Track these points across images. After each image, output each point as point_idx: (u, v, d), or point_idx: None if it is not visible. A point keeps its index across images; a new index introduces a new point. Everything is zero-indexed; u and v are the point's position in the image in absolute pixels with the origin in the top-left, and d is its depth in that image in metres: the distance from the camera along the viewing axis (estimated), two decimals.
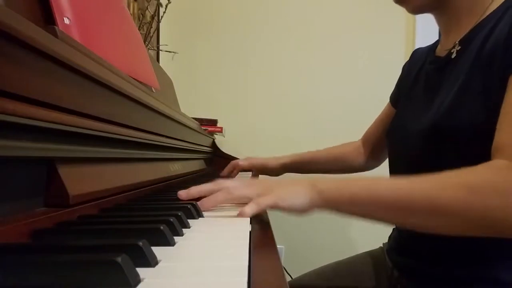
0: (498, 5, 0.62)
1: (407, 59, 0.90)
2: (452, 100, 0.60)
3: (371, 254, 0.89)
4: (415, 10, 0.70)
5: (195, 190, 0.56)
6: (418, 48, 0.88)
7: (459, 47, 0.65)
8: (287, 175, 1.12)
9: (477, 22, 0.63)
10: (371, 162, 1.05)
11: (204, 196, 0.55)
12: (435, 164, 0.54)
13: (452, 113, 0.59)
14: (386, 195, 0.49)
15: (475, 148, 0.56)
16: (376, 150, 1.01)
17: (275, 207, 0.50)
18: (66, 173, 0.40)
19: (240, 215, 0.49)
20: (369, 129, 1.04)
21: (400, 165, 0.75)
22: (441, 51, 0.72)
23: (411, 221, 0.51)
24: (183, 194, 0.56)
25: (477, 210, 0.45)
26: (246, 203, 0.51)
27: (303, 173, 1.12)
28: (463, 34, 0.65)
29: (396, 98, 0.89)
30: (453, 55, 0.66)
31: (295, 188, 0.52)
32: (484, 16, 0.63)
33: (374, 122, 1.02)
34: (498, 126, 0.52)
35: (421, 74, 0.77)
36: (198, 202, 0.53)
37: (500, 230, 0.46)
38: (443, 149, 0.61)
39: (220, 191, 0.54)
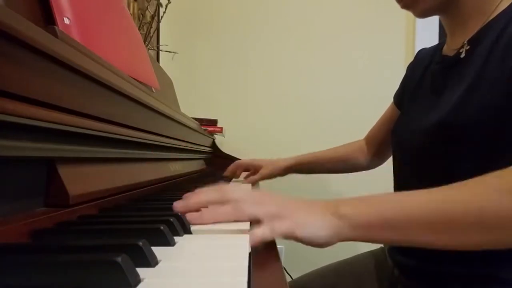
0: (508, 4, 0.61)
1: (407, 59, 0.90)
2: (460, 98, 0.60)
3: (372, 254, 0.89)
4: (423, 13, 0.70)
5: (194, 201, 0.47)
6: (422, 49, 0.87)
7: (468, 47, 0.65)
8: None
9: (486, 22, 0.63)
10: (375, 161, 1.06)
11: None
12: (440, 162, 0.53)
13: (460, 110, 0.59)
14: (425, 213, 0.42)
15: (481, 146, 0.55)
16: (380, 149, 1.02)
17: (292, 236, 0.42)
18: (66, 173, 0.40)
19: (252, 239, 0.39)
20: (372, 128, 1.05)
21: (405, 163, 0.75)
22: (448, 51, 0.72)
23: (457, 240, 0.43)
24: (178, 206, 0.46)
25: None
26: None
27: (307, 173, 1.13)
28: (472, 34, 0.65)
29: (400, 98, 0.89)
30: (462, 55, 0.66)
31: (316, 214, 0.43)
32: (494, 16, 0.62)
33: (378, 122, 1.02)
34: None
35: (427, 74, 0.76)
36: (194, 216, 0.44)
37: None
38: (449, 147, 0.61)
39: (226, 204, 0.45)
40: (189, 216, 0.44)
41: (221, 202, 0.46)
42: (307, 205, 0.45)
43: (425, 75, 0.77)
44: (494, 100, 0.55)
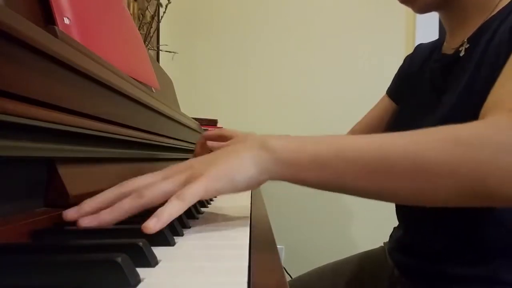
0: (507, 2, 0.61)
1: None
2: (458, 99, 0.59)
3: (372, 254, 0.89)
4: (422, 9, 0.69)
5: (89, 204, 0.38)
6: (421, 43, 0.86)
7: (468, 45, 0.64)
8: None
9: (486, 19, 0.62)
10: None
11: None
12: None
13: (458, 112, 0.58)
14: (360, 155, 0.39)
15: None
16: None
17: (207, 195, 0.37)
18: (66, 173, 0.40)
19: (150, 226, 0.33)
20: (360, 123, 0.96)
21: None
22: (448, 49, 0.71)
23: (392, 186, 0.39)
24: (69, 214, 0.36)
25: (467, 164, 0.37)
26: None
27: None
28: (471, 32, 0.64)
29: (398, 91, 0.86)
30: (462, 53, 0.65)
31: (236, 158, 0.39)
32: (494, 13, 0.62)
33: (367, 117, 0.95)
34: (495, 85, 0.49)
35: (425, 71, 0.75)
36: (88, 218, 0.36)
37: (492, 194, 0.38)
38: None
39: (128, 196, 0.38)
40: (81, 220, 0.36)
41: (122, 197, 0.38)
42: (228, 150, 0.41)
43: (424, 69, 0.76)
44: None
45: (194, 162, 0.42)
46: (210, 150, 0.71)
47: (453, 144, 0.38)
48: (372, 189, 0.40)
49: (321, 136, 0.41)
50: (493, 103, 0.48)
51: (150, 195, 0.38)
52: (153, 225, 0.33)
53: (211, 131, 0.75)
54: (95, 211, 0.37)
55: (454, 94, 0.61)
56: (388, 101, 0.89)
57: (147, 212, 0.36)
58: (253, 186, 0.40)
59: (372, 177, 0.39)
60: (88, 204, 0.38)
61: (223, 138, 0.70)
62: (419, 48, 0.85)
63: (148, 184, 0.39)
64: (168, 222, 0.35)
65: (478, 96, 0.56)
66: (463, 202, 0.39)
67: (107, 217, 0.36)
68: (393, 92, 0.88)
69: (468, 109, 0.57)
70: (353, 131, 0.98)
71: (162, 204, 0.37)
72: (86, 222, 0.36)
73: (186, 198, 0.36)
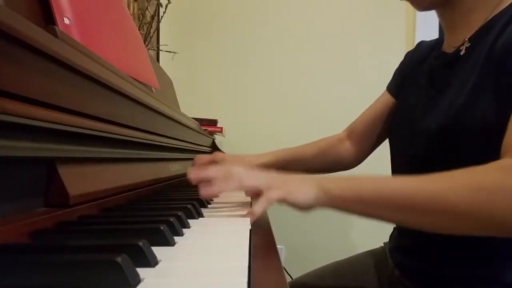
0: (509, 2, 0.60)
1: None
2: (464, 100, 0.59)
3: (372, 254, 0.89)
4: (424, 7, 0.69)
5: (205, 174, 0.56)
6: (423, 41, 0.85)
7: (469, 44, 0.63)
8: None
9: (488, 19, 0.62)
10: (359, 155, 0.95)
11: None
12: (442, 166, 0.52)
13: (464, 114, 0.58)
14: (392, 194, 0.49)
15: (487, 151, 0.53)
16: (367, 141, 0.93)
17: (283, 201, 0.51)
18: (66, 173, 0.40)
19: (251, 214, 0.49)
20: (359, 120, 0.95)
21: (404, 164, 0.74)
22: (448, 48, 0.70)
23: (418, 221, 0.50)
24: (192, 174, 0.56)
25: (486, 210, 0.44)
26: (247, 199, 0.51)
27: (284, 170, 0.92)
28: (473, 31, 0.63)
29: (397, 87, 0.86)
30: (462, 52, 0.64)
31: (303, 184, 0.52)
32: (496, 13, 0.61)
33: (366, 113, 0.94)
34: (509, 125, 0.51)
35: (424, 68, 0.75)
36: (204, 187, 0.54)
37: (505, 231, 0.46)
38: (453, 151, 0.60)
39: (231, 178, 0.54)
40: (202, 189, 0.54)
41: (225, 177, 0.54)
42: (298, 178, 0.54)
43: (424, 67, 0.76)
44: (496, 104, 0.54)
45: (272, 175, 0.56)
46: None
47: (476, 191, 0.45)
48: (403, 222, 0.54)
49: (367, 177, 0.53)
50: (506, 146, 0.51)
51: (248, 184, 0.54)
52: (255, 211, 0.50)
53: (204, 157, 0.85)
54: (206, 180, 0.56)
55: (458, 95, 0.60)
56: (388, 96, 0.89)
57: (147, 213, 0.36)
58: (306, 209, 0.52)
59: (401, 214, 0.50)
60: (205, 174, 0.56)
61: (215, 163, 0.81)
62: (421, 45, 0.84)
63: (247, 176, 0.54)
64: (262, 212, 0.50)
65: (486, 97, 0.55)
66: (477, 235, 0.48)
67: (219, 190, 0.55)
68: (393, 87, 0.88)
69: (474, 111, 0.57)
70: (352, 130, 0.97)
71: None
72: (203, 190, 0.55)
73: (271, 198, 0.51)
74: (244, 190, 0.56)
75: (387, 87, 0.90)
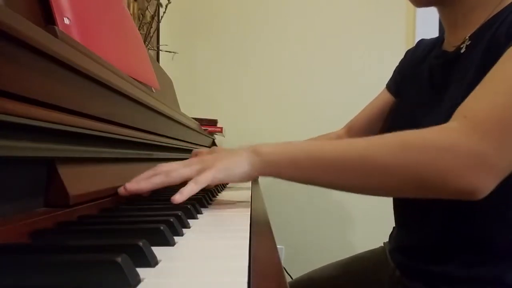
0: (510, 1, 0.60)
1: None
2: (462, 99, 0.57)
3: (372, 254, 0.89)
4: (424, 3, 0.68)
5: (132, 184, 0.52)
6: (423, 39, 0.85)
7: (469, 42, 0.63)
8: None
9: (490, 17, 0.61)
10: None
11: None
12: None
13: None
14: (324, 156, 0.49)
15: None
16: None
17: (214, 181, 0.51)
18: (66, 173, 0.40)
19: (176, 199, 0.48)
20: (358, 117, 0.96)
21: None
22: (448, 46, 0.70)
23: (348, 183, 0.50)
24: (122, 191, 0.51)
25: (410, 166, 0.44)
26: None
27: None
28: (474, 29, 0.63)
29: (396, 85, 0.86)
30: (463, 50, 0.64)
31: (236, 157, 0.52)
32: (497, 11, 0.61)
33: (365, 111, 0.95)
34: (470, 94, 0.51)
35: (424, 67, 0.74)
36: (129, 184, 0.51)
37: (432, 189, 0.46)
38: None
39: (157, 175, 0.53)
40: (127, 185, 0.51)
41: (149, 175, 0.53)
42: (231, 153, 0.54)
43: (424, 65, 0.75)
44: None
45: (205, 157, 0.55)
46: None
47: (399, 147, 0.45)
48: (333, 183, 0.52)
49: (301, 142, 0.53)
50: (458, 112, 0.51)
51: (174, 176, 0.52)
52: (178, 198, 0.48)
53: (202, 150, 0.86)
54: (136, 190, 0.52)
55: (459, 94, 0.60)
56: (387, 94, 0.89)
57: (147, 213, 0.36)
58: (246, 179, 0.53)
59: (332, 175, 0.50)
60: (133, 184, 0.52)
61: None
62: (421, 43, 0.84)
63: (173, 169, 0.53)
64: (187, 198, 0.48)
65: None
66: (407, 195, 0.49)
67: (143, 184, 0.51)
68: (392, 86, 0.88)
69: None
70: (351, 128, 0.98)
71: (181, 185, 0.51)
72: (129, 185, 0.51)
73: (200, 182, 0.50)
74: (175, 183, 0.53)
75: (386, 85, 0.91)
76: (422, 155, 0.44)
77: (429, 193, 0.48)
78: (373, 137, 0.49)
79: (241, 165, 0.51)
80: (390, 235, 0.83)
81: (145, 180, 0.52)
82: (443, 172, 0.44)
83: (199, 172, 0.51)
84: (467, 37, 0.64)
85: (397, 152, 0.45)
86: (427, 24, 1.86)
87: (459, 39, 0.66)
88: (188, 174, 0.52)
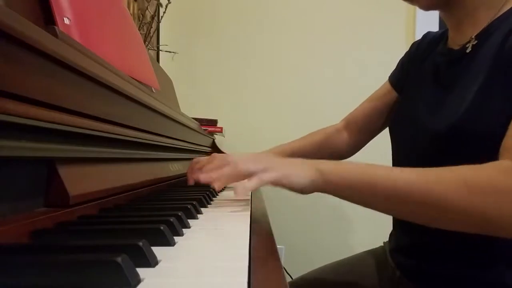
0: None
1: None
2: (473, 101, 0.57)
3: (372, 253, 0.89)
4: (428, 6, 0.68)
5: (199, 173, 0.58)
6: (429, 32, 0.83)
7: (476, 42, 0.62)
8: None
9: (496, 16, 0.61)
10: (355, 145, 0.96)
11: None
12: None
13: (475, 115, 0.57)
14: (384, 184, 0.49)
15: (496, 153, 0.52)
16: (365, 132, 0.93)
17: (277, 183, 0.52)
18: (66, 173, 0.40)
19: (240, 190, 0.51)
20: (358, 111, 0.95)
21: (407, 163, 0.73)
22: (454, 44, 0.69)
23: (408, 212, 0.51)
24: (190, 180, 0.63)
25: (475, 208, 0.45)
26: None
27: None
28: (479, 29, 0.63)
29: (400, 80, 0.85)
30: (469, 50, 0.63)
31: (299, 167, 0.53)
32: (504, 11, 0.60)
33: (365, 104, 0.94)
34: (510, 126, 0.51)
35: (429, 63, 0.74)
36: (203, 176, 0.56)
37: (496, 230, 0.46)
38: (460, 153, 0.59)
39: (226, 165, 0.55)
40: (201, 176, 0.57)
41: (220, 165, 0.56)
42: (294, 162, 0.55)
43: (428, 61, 0.75)
44: (505, 105, 0.54)
45: (269, 159, 0.57)
46: None
47: (463, 188, 0.45)
48: (390, 211, 0.55)
49: (358, 165, 0.53)
50: (505, 147, 0.51)
51: (242, 168, 0.54)
52: (240, 191, 0.51)
53: (202, 158, 0.84)
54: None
55: (467, 95, 0.59)
56: (389, 88, 0.88)
57: (147, 213, 0.36)
58: (300, 192, 0.53)
59: (392, 205, 0.51)
60: (199, 173, 0.58)
61: None
62: (427, 35, 0.83)
63: (240, 160, 0.55)
64: (251, 191, 0.52)
65: (496, 98, 0.55)
66: (467, 231, 0.48)
67: (217, 178, 0.55)
68: (395, 80, 0.87)
69: (485, 112, 0.56)
70: (350, 121, 0.97)
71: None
72: (202, 177, 0.57)
73: (264, 180, 0.52)
74: (241, 175, 0.55)
75: (389, 78, 0.89)
76: (487, 198, 0.45)
77: (492, 233, 0.48)
78: (439, 170, 0.48)
79: (304, 177, 0.52)
80: (390, 235, 0.83)
81: (218, 174, 0.55)
82: (509, 216, 0.44)
83: (265, 170, 0.53)
84: (473, 37, 0.63)
85: (462, 193, 0.45)
86: (428, 22, 1.86)
87: (464, 38, 0.66)
88: (255, 169, 0.53)
